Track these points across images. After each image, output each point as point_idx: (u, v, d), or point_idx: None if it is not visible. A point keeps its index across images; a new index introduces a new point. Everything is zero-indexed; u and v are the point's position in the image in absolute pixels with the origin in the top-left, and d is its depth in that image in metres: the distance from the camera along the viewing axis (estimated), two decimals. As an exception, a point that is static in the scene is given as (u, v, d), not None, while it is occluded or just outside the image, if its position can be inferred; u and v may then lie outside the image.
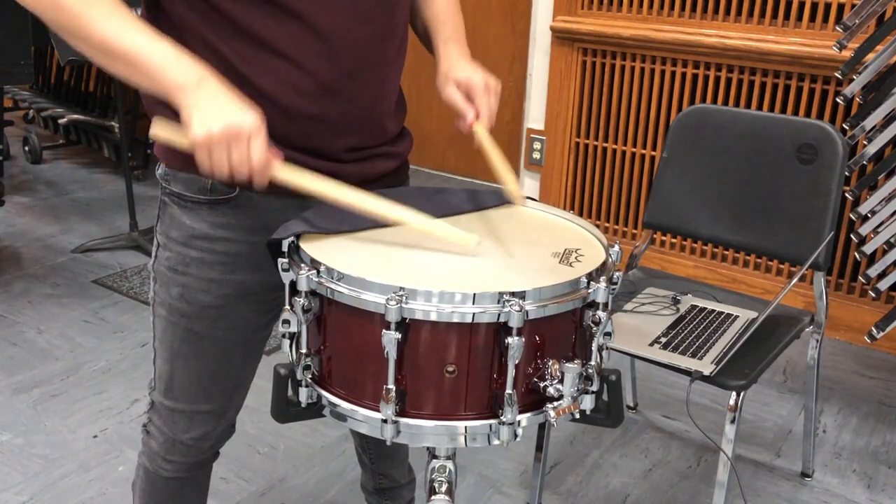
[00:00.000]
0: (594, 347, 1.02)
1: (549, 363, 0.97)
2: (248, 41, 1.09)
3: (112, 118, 4.10)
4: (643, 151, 3.18)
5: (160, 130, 1.04)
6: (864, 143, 2.17)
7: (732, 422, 1.71)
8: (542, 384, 0.97)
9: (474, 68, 1.21)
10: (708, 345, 1.79)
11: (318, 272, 0.97)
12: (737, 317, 1.94)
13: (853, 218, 2.19)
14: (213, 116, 0.97)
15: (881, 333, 2.12)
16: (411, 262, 1.02)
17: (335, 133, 1.17)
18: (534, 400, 0.98)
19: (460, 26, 1.30)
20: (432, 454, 1.08)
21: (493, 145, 1.17)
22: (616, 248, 1.05)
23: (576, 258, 1.05)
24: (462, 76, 1.19)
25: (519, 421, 0.97)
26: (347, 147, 1.19)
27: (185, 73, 1.00)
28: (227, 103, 0.99)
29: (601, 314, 0.98)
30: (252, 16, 1.08)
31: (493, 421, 0.97)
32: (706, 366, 1.70)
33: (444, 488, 1.07)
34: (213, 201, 1.18)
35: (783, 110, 2.84)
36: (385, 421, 0.95)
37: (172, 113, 1.12)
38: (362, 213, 1.07)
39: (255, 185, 1.02)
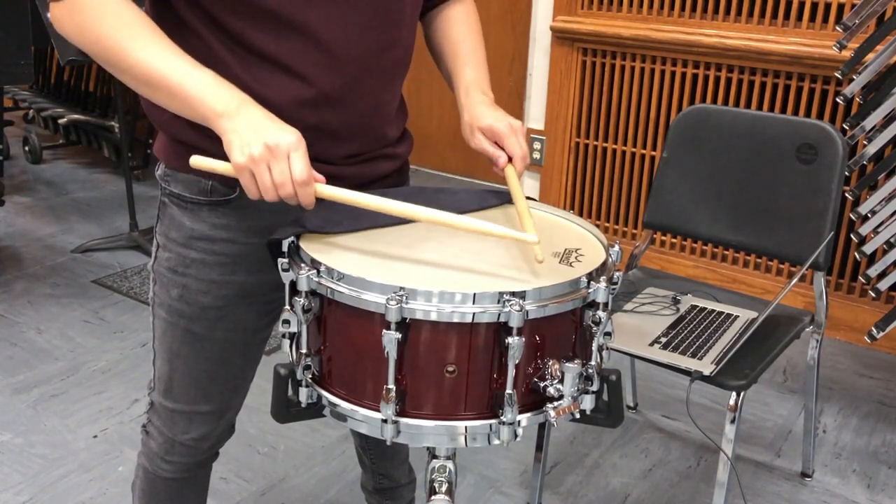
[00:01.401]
0: (594, 347, 1.02)
1: (550, 363, 0.97)
2: (251, 53, 1.09)
3: (112, 118, 4.09)
4: (643, 151, 3.18)
5: (200, 160, 1.05)
6: (864, 143, 2.17)
7: (732, 422, 1.71)
8: (542, 384, 0.97)
9: (496, 114, 1.21)
10: (708, 345, 1.79)
11: (319, 272, 0.97)
12: (737, 317, 1.94)
13: (853, 218, 2.19)
14: (253, 139, 0.98)
15: (881, 333, 2.12)
16: (411, 262, 1.02)
17: (335, 141, 1.17)
18: (534, 400, 0.98)
19: (482, 62, 1.29)
20: (432, 454, 1.08)
21: (520, 192, 1.16)
22: (616, 248, 1.05)
23: (576, 258, 1.05)
24: (486, 124, 1.20)
25: (519, 421, 0.97)
26: (347, 154, 1.20)
27: (224, 101, 1.00)
28: (266, 125, 0.99)
29: (601, 314, 0.98)
30: (253, 28, 1.08)
31: (493, 421, 0.97)
32: (706, 366, 1.70)
33: (444, 488, 1.07)
34: (213, 202, 1.18)
35: (783, 110, 2.84)
36: (385, 421, 0.95)
37: (186, 126, 1.12)
38: (412, 219, 1.06)
39: (302, 204, 1.02)
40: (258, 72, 1.10)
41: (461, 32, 1.31)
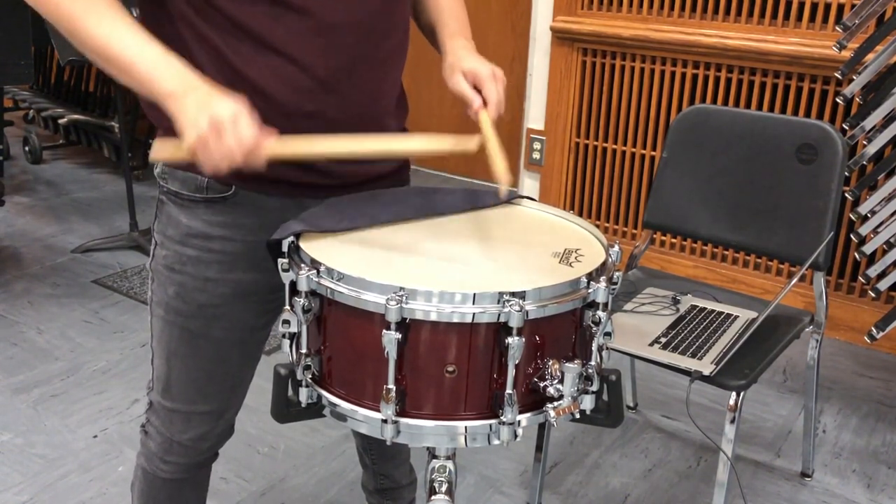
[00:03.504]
0: (594, 347, 1.02)
1: (549, 363, 0.97)
2: (245, 37, 1.09)
3: (112, 118, 4.09)
4: (643, 151, 3.18)
5: (160, 153, 1.07)
6: (864, 143, 2.17)
7: (732, 422, 1.71)
8: (542, 384, 0.97)
9: (481, 60, 1.21)
10: (708, 345, 1.79)
11: (319, 272, 0.97)
12: (737, 317, 1.94)
13: (853, 218, 2.19)
14: (199, 117, 0.98)
15: (881, 333, 2.12)
16: (411, 262, 1.02)
17: (333, 131, 1.17)
18: (534, 400, 0.99)
19: (465, 22, 1.31)
20: (432, 454, 1.08)
21: (493, 133, 1.16)
22: (616, 248, 1.05)
23: (576, 258, 1.05)
24: (469, 67, 1.20)
25: (519, 421, 0.97)
26: None
27: (173, 81, 1.01)
28: (209, 100, 1.00)
29: (601, 314, 0.98)
30: (249, 12, 1.08)
31: (493, 421, 0.97)
32: (706, 366, 1.70)
33: (444, 488, 1.07)
34: (209, 200, 1.18)
35: (783, 110, 2.84)
36: (385, 421, 0.95)
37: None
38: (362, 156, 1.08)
39: (255, 167, 1.01)
40: (252, 58, 1.09)
41: (446, 2, 1.32)
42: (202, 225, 1.19)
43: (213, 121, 0.98)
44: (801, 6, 2.74)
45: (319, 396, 1.02)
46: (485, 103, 1.18)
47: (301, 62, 1.10)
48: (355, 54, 1.13)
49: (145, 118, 1.23)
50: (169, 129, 1.17)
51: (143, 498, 1.40)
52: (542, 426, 1.97)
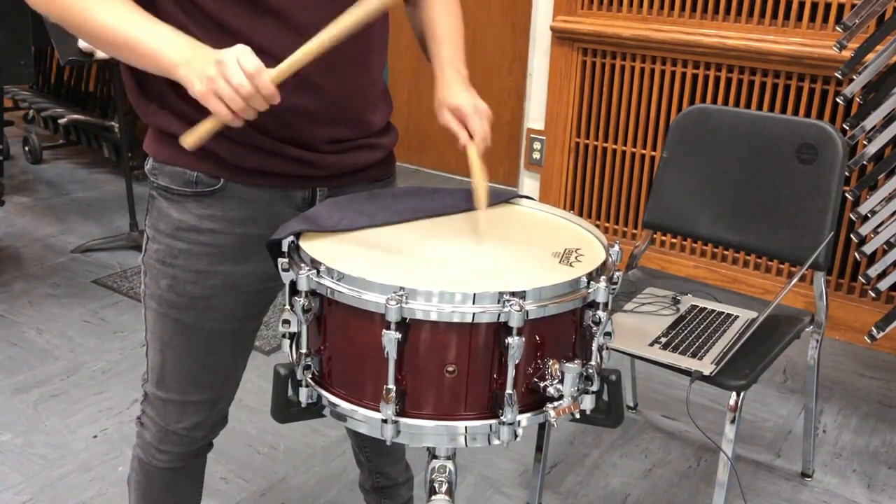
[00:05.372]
0: (594, 347, 1.02)
1: (550, 363, 0.97)
2: (227, 36, 1.11)
3: (112, 118, 4.09)
4: (643, 151, 3.18)
5: (189, 137, 1.08)
6: (864, 143, 2.17)
7: (732, 422, 1.71)
8: (542, 384, 0.97)
9: (467, 93, 1.23)
10: (708, 345, 1.79)
11: (319, 272, 0.97)
12: (737, 317, 1.94)
13: (853, 218, 2.19)
14: (205, 65, 1.02)
15: (881, 333, 2.12)
16: (411, 262, 1.02)
17: (316, 125, 1.19)
18: (534, 400, 0.98)
19: (460, 42, 1.33)
20: (432, 454, 1.08)
21: (479, 166, 1.20)
22: (616, 248, 1.05)
23: (576, 258, 1.05)
24: (454, 103, 1.22)
25: (519, 421, 0.97)
26: (329, 139, 1.22)
27: (179, 51, 1.05)
28: (217, 53, 1.03)
29: (601, 314, 0.98)
30: (229, 12, 1.11)
31: (493, 421, 0.97)
32: (706, 366, 1.70)
33: (444, 488, 1.07)
34: (198, 193, 1.20)
35: (783, 110, 2.84)
36: (385, 421, 0.95)
37: (171, 118, 1.15)
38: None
39: (265, 97, 1.03)
40: None
41: (440, 14, 1.34)
42: (192, 218, 1.21)
43: (218, 61, 1.01)
44: (801, 6, 2.74)
45: (319, 396, 1.02)
46: (472, 136, 1.21)
47: (280, 59, 1.12)
48: (333, 53, 1.15)
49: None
50: (159, 127, 1.20)
51: (140, 489, 1.41)
52: (542, 426, 1.97)
